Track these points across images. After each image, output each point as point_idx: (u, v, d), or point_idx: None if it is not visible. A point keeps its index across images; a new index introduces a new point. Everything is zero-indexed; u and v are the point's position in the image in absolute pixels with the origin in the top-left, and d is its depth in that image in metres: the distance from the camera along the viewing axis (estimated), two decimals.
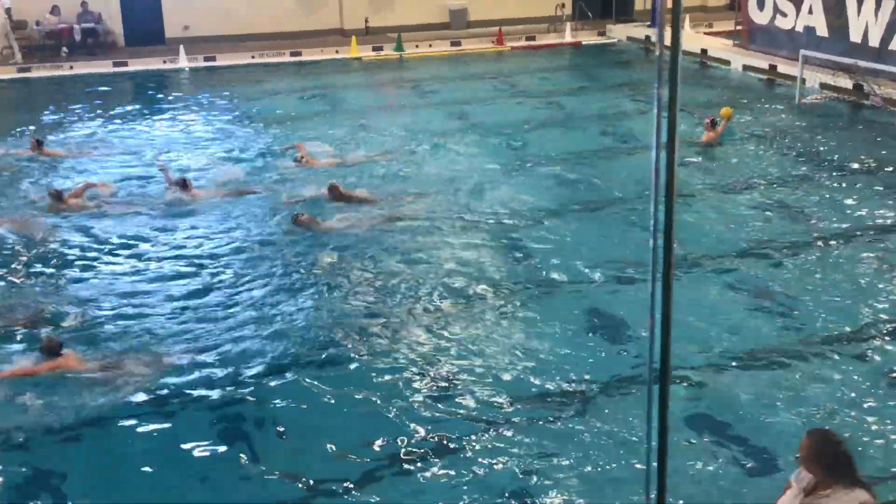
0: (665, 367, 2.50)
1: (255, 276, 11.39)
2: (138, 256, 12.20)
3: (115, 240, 12.77)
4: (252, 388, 8.79)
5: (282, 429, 8.18)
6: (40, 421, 8.17)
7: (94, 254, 12.31)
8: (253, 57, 27.55)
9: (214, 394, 8.72)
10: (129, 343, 9.63)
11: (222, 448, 7.92)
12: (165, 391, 8.75)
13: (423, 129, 18.91)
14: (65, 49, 27.23)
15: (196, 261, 12.00)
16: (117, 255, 12.30)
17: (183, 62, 26.76)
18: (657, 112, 2.60)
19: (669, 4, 2.54)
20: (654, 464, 2.50)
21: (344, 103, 21.98)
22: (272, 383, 8.87)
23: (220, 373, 9.06)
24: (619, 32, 30.38)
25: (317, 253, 12.09)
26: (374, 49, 28.56)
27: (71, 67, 26.25)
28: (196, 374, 9.02)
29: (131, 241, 12.71)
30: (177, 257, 12.12)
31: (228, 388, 8.78)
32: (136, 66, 26.55)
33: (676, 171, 2.64)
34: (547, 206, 13.89)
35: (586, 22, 31.08)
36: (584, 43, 29.72)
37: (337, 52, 28.23)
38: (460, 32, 30.57)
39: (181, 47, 27.06)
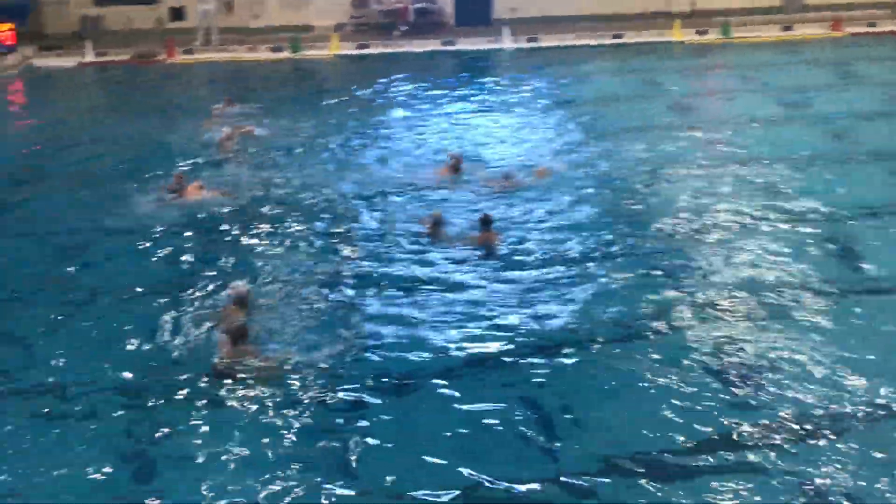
0: None
1: (565, 251, 11.50)
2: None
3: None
4: (547, 361, 8.92)
5: (571, 404, 8.24)
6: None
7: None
8: (575, 38, 27.73)
9: (507, 367, 8.94)
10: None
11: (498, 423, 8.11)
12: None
13: (743, 116, 18.23)
14: (401, 27, 28.88)
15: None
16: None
17: (506, 42, 27.47)
18: None
19: None
20: None
21: (662, 87, 21.61)
22: (561, 359, 8.94)
23: (511, 341, 9.28)
24: None
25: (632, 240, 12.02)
26: (699, 33, 27.75)
27: (403, 46, 27.79)
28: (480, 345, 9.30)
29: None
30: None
31: (518, 361, 8.97)
32: (462, 45, 27.61)
33: None
34: (873, 204, 12.90)
35: None
36: None
37: (660, 34, 27.76)
38: (793, 17, 28.96)
39: (505, 28, 27.78)
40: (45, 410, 8.24)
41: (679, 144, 16.27)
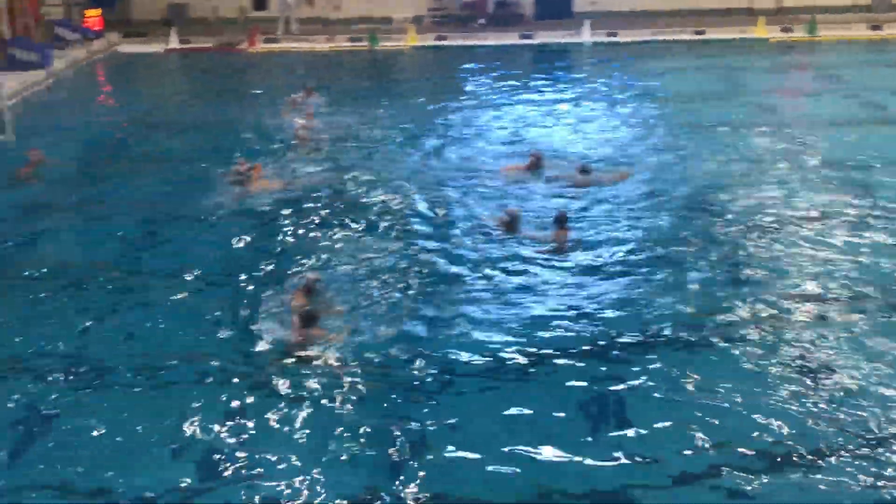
0: None
1: (638, 252, 11.36)
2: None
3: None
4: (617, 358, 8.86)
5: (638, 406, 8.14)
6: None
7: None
8: (655, 34, 27.40)
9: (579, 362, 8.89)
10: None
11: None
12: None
13: (827, 116, 17.91)
14: (481, 20, 28.85)
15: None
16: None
17: (586, 36, 27.24)
18: None
19: None
20: None
21: (744, 85, 21.24)
22: (626, 364, 8.77)
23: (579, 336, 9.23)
24: None
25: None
26: (783, 30, 27.19)
27: (481, 38, 27.77)
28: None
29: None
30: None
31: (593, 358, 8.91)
32: (540, 38, 27.47)
33: None
34: None
35: None
36: None
37: (743, 31, 27.27)
38: (882, 17, 28.16)
39: (586, 22, 27.55)
40: (108, 391, 8.37)
41: (760, 144, 15.95)
